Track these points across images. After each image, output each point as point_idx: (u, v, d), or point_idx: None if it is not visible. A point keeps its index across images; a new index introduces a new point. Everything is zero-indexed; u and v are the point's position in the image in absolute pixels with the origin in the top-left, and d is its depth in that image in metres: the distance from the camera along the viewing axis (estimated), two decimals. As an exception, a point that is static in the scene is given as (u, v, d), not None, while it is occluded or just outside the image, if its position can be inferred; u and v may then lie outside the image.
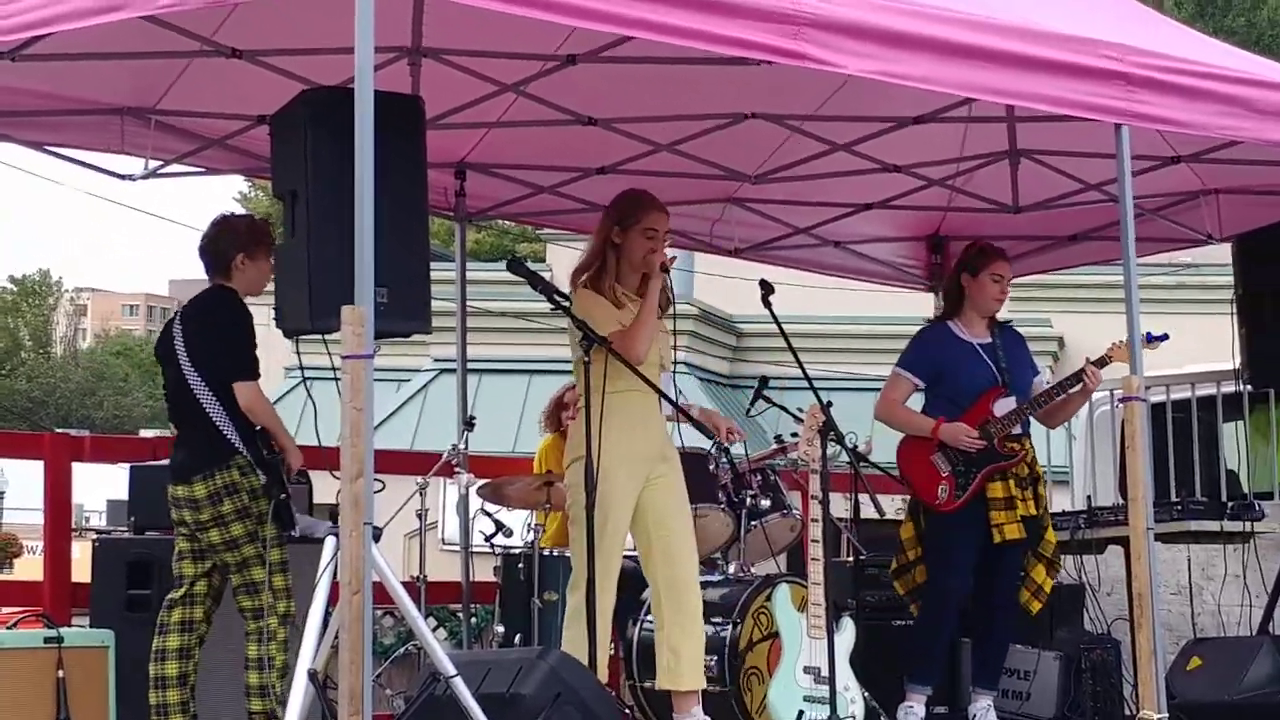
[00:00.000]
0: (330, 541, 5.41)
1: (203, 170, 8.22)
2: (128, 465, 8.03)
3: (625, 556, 8.56)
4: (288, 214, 5.74)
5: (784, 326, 7.04)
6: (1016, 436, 7.70)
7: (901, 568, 7.95)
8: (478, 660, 6.09)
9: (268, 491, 6.84)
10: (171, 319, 7.01)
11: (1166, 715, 6.48)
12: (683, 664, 6.85)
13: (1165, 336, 7.43)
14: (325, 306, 5.36)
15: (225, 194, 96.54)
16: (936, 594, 7.72)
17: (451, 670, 5.41)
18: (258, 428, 6.85)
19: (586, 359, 6.59)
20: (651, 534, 6.86)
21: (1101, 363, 7.63)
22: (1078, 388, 7.67)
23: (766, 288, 7.06)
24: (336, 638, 5.09)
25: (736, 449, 8.11)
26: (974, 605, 7.79)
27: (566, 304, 6.67)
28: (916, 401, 7.94)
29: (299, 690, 5.37)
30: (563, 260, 24.69)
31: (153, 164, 7.68)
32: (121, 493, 7.79)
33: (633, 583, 8.04)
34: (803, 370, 7.08)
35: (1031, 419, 7.80)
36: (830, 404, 7.07)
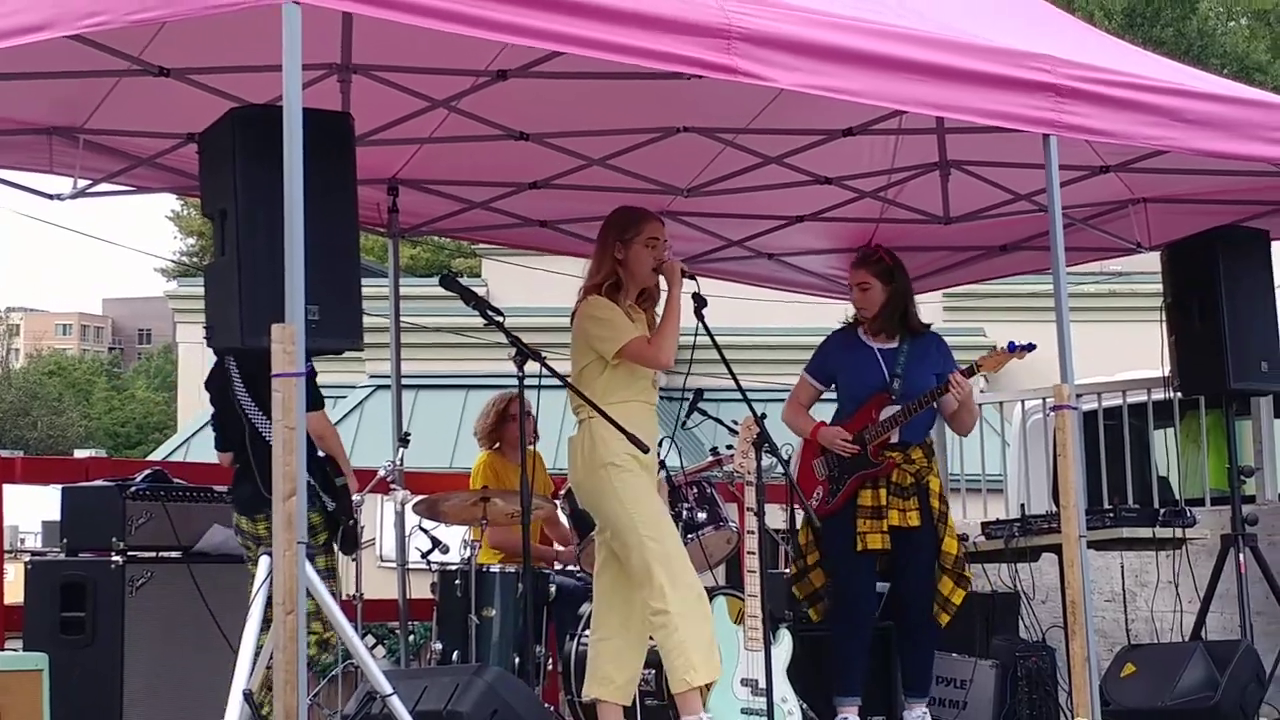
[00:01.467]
0: (264, 561, 5.38)
1: (133, 189, 8.17)
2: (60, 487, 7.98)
3: (560, 573, 8.59)
4: (217, 232, 5.71)
5: (718, 339, 7.05)
6: (900, 446, 7.72)
7: (799, 573, 8.01)
8: (414, 677, 6.07)
9: (335, 518, 7.00)
10: (221, 359, 7.03)
11: (1101, 722, 6.53)
12: (626, 680, 6.89)
13: (1032, 346, 7.54)
14: (256, 324, 5.34)
15: (159, 213, 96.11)
16: (834, 602, 7.81)
17: (388, 688, 5.39)
18: (320, 454, 6.97)
19: (520, 373, 6.61)
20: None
21: (969, 371, 7.67)
22: (945, 396, 7.69)
23: (699, 301, 7.08)
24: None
25: (672, 462, 8.12)
26: (893, 612, 7.85)
27: (500, 319, 6.68)
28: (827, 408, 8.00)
29: (234, 710, 5.34)
30: (499, 275, 24.72)
31: (81, 183, 7.62)
32: (57, 514, 7.75)
33: (571, 597, 8.05)
34: (736, 383, 7.09)
35: (947, 428, 7.85)
36: (764, 416, 7.09)
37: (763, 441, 7.04)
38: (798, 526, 7.93)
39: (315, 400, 7.00)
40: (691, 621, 6.62)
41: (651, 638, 6.78)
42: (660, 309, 7.03)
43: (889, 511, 7.65)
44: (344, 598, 7.66)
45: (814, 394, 8.05)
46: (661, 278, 7.02)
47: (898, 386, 7.75)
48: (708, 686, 6.72)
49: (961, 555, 7.81)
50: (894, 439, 7.72)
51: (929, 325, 8.05)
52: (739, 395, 7.13)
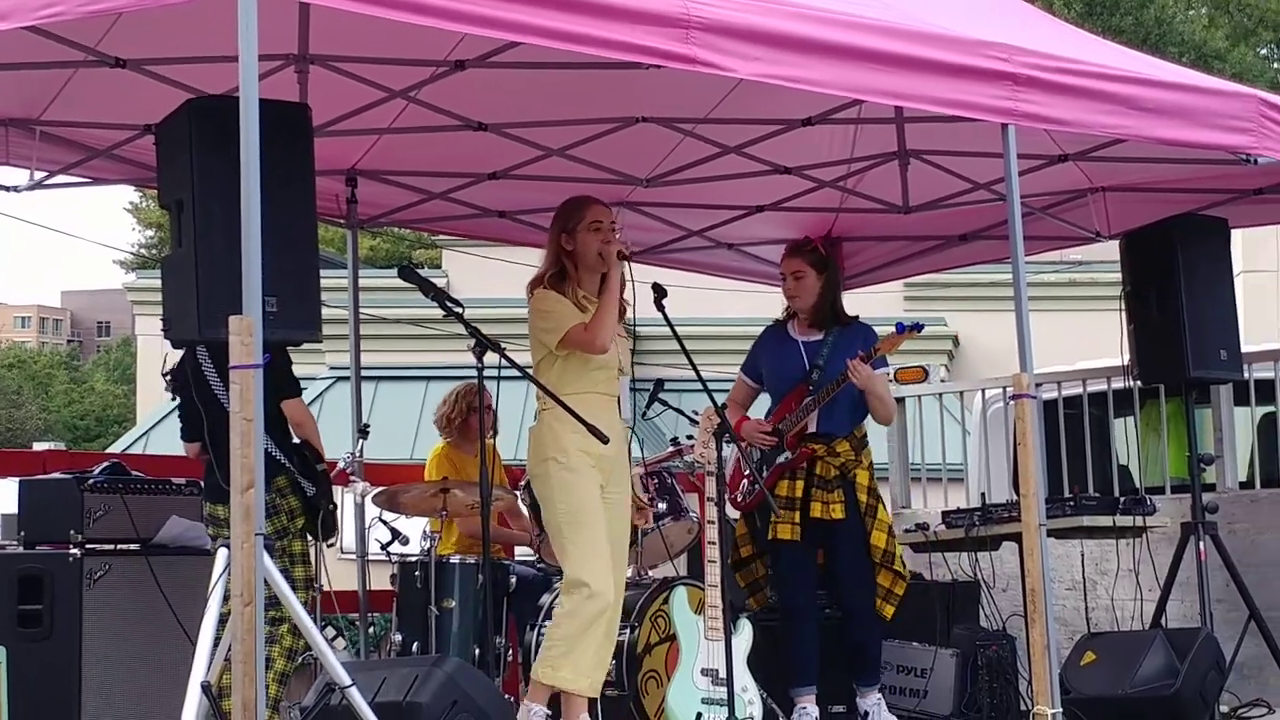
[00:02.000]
0: (222, 553, 5.36)
1: (90, 180, 8.12)
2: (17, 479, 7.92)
3: (521, 561, 8.58)
4: (174, 224, 5.69)
5: (678, 329, 7.05)
6: (823, 437, 7.73)
7: (740, 561, 8.04)
8: (373, 669, 6.06)
9: (315, 502, 7.10)
10: (189, 350, 7.02)
11: (1061, 710, 6.54)
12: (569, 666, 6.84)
13: (919, 326, 7.58)
14: (214, 316, 5.33)
15: (117, 204, 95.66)
16: (778, 597, 7.88)
17: (347, 680, 5.38)
18: (296, 441, 7.06)
19: (480, 365, 6.60)
20: None
21: (868, 357, 7.69)
22: (844, 383, 7.69)
23: (659, 291, 7.08)
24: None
25: (633, 452, 8.11)
26: (835, 603, 7.90)
27: (459, 310, 6.66)
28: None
29: (192, 702, 5.31)
30: (459, 266, 24.67)
31: (38, 175, 7.58)
32: (14, 507, 7.69)
33: (531, 588, 8.04)
34: (697, 373, 7.09)
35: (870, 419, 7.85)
36: (724, 405, 7.10)
37: (723, 431, 7.04)
38: (733, 518, 7.94)
39: (293, 388, 7.03)
40: (574, 623, 6.62)
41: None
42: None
43: (811, 504, 7.66)
44: (323, 586, 7.66)
45: (748, 392, 8.08)
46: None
47: (816, 377, 7.77)
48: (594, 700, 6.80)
49: (891, 548, 7.79)
50: (811, 428, 7.72)
51: (856, 316, 8.04)
52: (699, 385, 7.14)
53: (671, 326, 7.08)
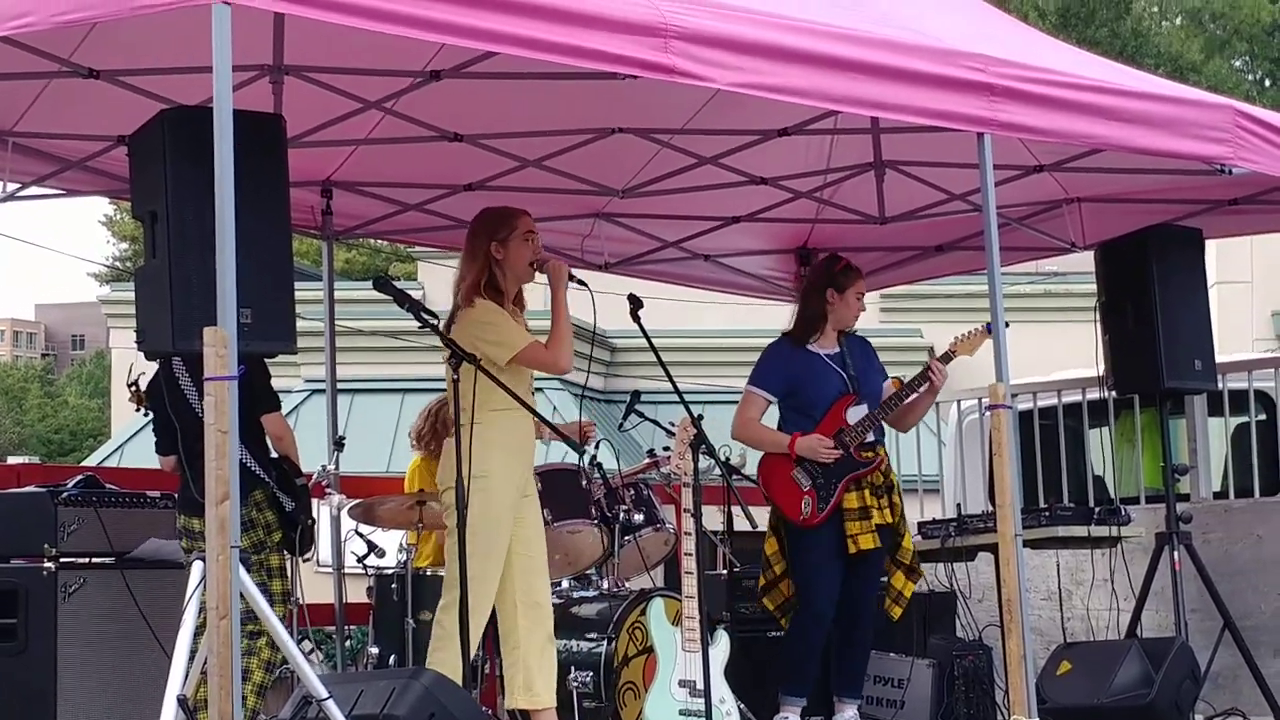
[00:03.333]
0: (197, 566, 5.33)
1: (63, 192, 8.10)
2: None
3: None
4: (148, 235, 5.67)
5: (656, 341, 7.05)
6: (870, 444, 7.75)
7: (769, 584, 7.97)
8: (350, 681, 6.04)
9: (294, 517, 7.07)
10: (165, 363, 7.00)
11: (1037, 719, 6.55)
12: (541, 683, 6.86)
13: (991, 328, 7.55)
14: (188, 328, 5.31)
15: (92, 217, 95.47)
16: (806, 608, 7.75)
17: (324, 693, 5.36)
18: (275, 455, 7.04)
19: (455, 376, 6.56)
20: (515, 555, 6.84)
21: (946, 358, 7.71)
22: (925, 386, 7.73)
23: (635, 302, 7.07)
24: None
25: (609, 464, 8.11)
26: (837, 612, 7.81)
27: (435, 322, 6.65)
28: (772, 418, 7.98)
29: (169, 716, 5.29)
30: (435, 278, 24.62)
31: (11, 187, 7.54)
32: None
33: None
34: (673, 384, 7.09)
35: (884, 425, 7.88)
36: (701, 417, 7.09)
37: (699, 443, 7.03)
38: (766, 533, 7.90)
39: (272, 401, 7.01)
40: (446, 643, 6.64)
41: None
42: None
43: (873, 511, 7.66)
44: (298, 599, 7.64)
45: (765, 407, 7.99)
46: (542, 274, 7.00)
47: (857, 388, 7.77)
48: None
49: (914, 550, 7.88)
50: (869, 439, 7.74)
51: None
52: (676, 397, 7.13)
53: (648, 338, 7.08)
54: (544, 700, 6.88)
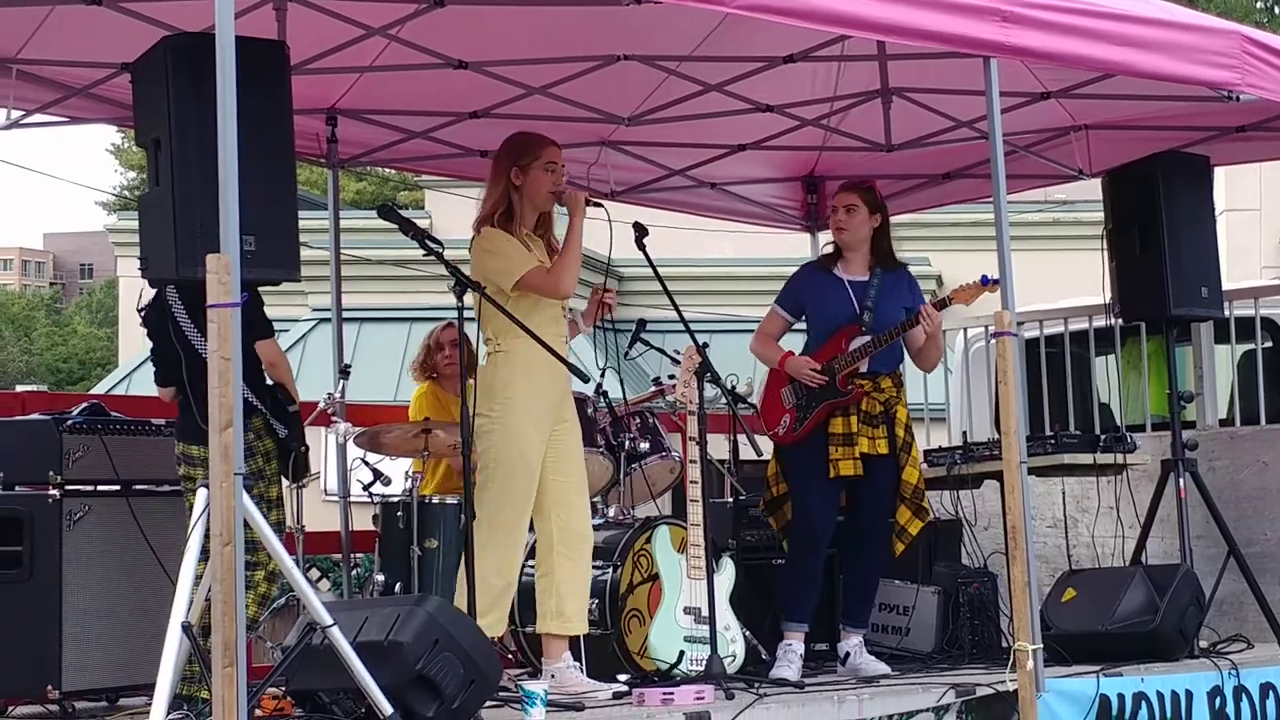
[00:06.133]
0: (201, 493, 5.34)
1: (68, 120, 8.07)
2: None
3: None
4: (151, 162, 5.67)
5: (663, 270, 7.03)
6: (869, 375, 7.70)
7: (771, 502, 7.98)
8: (355, 609, 6.05)
9: (288, 445, 7.04)
10: (160, 292, 6.97)
11: (1041, 646, 6.57)
12: (574, 611, 6.87)
13: (998, 281, 7.48)
14: (191, 255, 5.31)
15: (99, 145, 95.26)
16: (795, 528, 7.78)
17: (328, 620, 5.37)
18: (270, 382, 7.02)
19: (460, 304, 6.56)
20: (549, 482, 6.85)
21: (941, 304, 7.66)
22: (915, 329, 7.67)
23: (640, 230, 7.05)
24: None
25: (615, 393, 8.11)
26: (844, 539, 7.83)
27: (439, 249, 6.63)
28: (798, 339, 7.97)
29: (173, 642, 5.31)
30: (442, 207, 24.60)
31: (15, 114, 7.53)
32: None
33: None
34: (678, 312, 7.08)
35: (908, 360, 7.84)
36: (706, 345, 7.08)
37: (704, 371, 7.03)
38: (766, 457, 7.90)
39: (266, 328, 6.98)
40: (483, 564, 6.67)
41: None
42: (561, 236, 7.00)
43: (859, 439, 7.64)
44: (303, 525, 7.67)
45: (784, 325, 7.98)
46: (561, 206, 7.00)
47: (868, 319, 7.70)
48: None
49: (921, 486, 7.78)
50: (863, 369, 7.69)
51: (904, 263, 8.01)
52: (682, 325, 7.12)
53: (653, 266, 7.06)
54: (575, 626, 6.89)
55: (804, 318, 7.92)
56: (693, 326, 7.18)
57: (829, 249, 7.99)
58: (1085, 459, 8.56)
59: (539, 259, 6.89)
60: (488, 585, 6.64)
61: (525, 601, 7.28)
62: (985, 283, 7.45)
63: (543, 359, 6.73)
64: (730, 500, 8.59)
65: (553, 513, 6.87)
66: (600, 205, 7.02)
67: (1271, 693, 7.68)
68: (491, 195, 6.98)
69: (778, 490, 7.92)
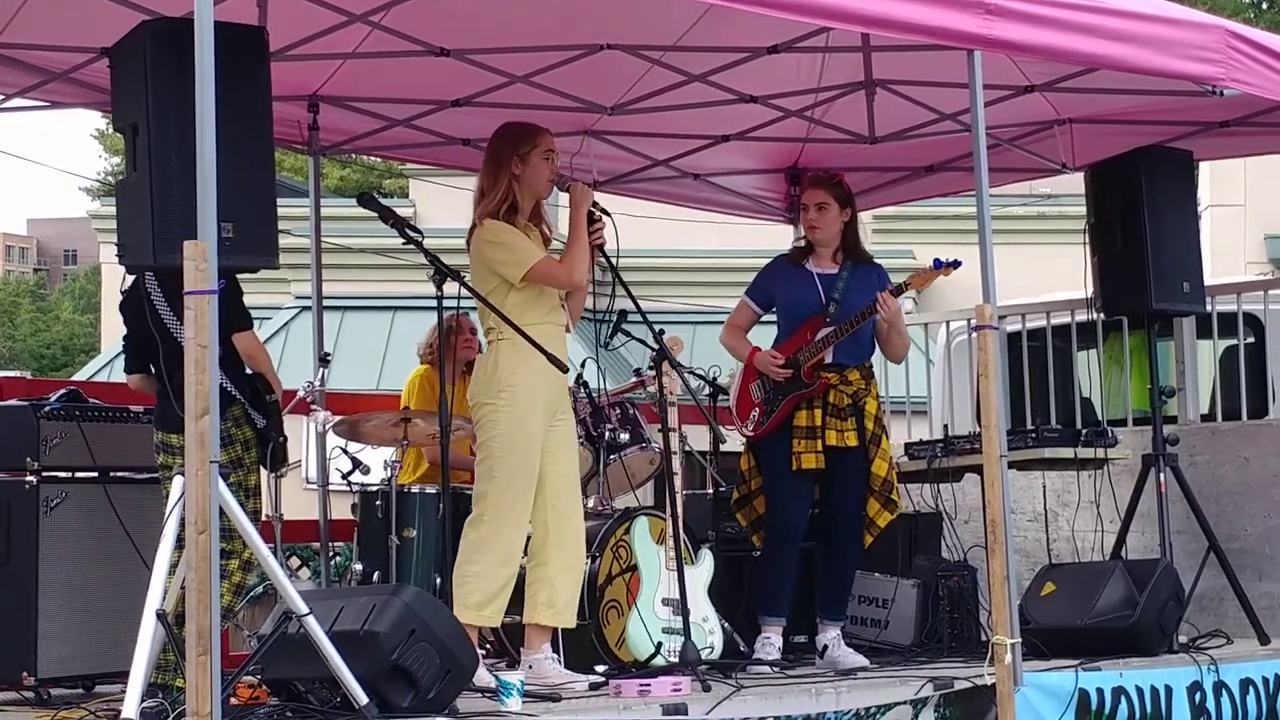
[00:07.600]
0: (177, 480, 5.31)
1: (48, 105, 8.04)
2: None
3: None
4: (129, 147, 5.65)
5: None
6: (836, 367, 7.69)
7: (741, 499, 7.97)
8: (332, 598, 6.03)
9: (266, 434, 6.99)
10: (139, 279, 6.91)
11: (1020, 640, 6.56)
12: (565, 603, 6.85)
13: (958, 263, 7.47)
14: (169, 241, 5.29)
15: (84, 131, 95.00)
16: (769, 522, 7.79)
17: (304, 609, 5.35)
18: (249, 372, 6.97)
19: (439, 293, 6.55)
20: (546, 473, 6.82)
21: (898, 290, 7.64)
22: (875, 316, 7.65)
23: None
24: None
25: (594, 383, 8.10)
26: (817, 534, 7.83)
27: (419, 238, 6.61)
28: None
29: (147, 630, 5.28)
30: (426, 196, 24.56)
31: (-6, 98, 7.52)
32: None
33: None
34: (637, 306, 7.08)
35: (879, 351, 7.83)
36: (663, 332, 7.08)
37: (661, 360, 7.02)
38: (733, 448, 7.90)
39: (244, 319, 6.93)
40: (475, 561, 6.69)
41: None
42: (562, 224, 6.99)
43: (826, 432, 7.63)
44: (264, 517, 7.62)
45: (752, 317, 7.99)
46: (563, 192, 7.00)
47: (833, 310, 7.69)
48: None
49: (890, 479, 7.77)
50: (828, 360, 7.68)
51: (872, 256, 8.00)
52: (664, 316, 7.10)
53: (607, 259, 7.04)
54: (565, 619, 6.87)
55: (774, 310, 7.92)
56: (677, 318, 7.16)
57: (801, 243, 8.00)
58: (1066, 453, 8.56)
59: (543, 250, 6.87)
60: (494, 576, 6.64)
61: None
62: (938, 266, 7.49)
63: (548, 346, 6.71)
64: (710, 492, 8.58)
65: (548, 505, 6.85)
66: (608, 215, 7.01)
67: (1251, 688, 7.70)
68: (497, 187, 6.91)
69: (754, 484, 7.91)
